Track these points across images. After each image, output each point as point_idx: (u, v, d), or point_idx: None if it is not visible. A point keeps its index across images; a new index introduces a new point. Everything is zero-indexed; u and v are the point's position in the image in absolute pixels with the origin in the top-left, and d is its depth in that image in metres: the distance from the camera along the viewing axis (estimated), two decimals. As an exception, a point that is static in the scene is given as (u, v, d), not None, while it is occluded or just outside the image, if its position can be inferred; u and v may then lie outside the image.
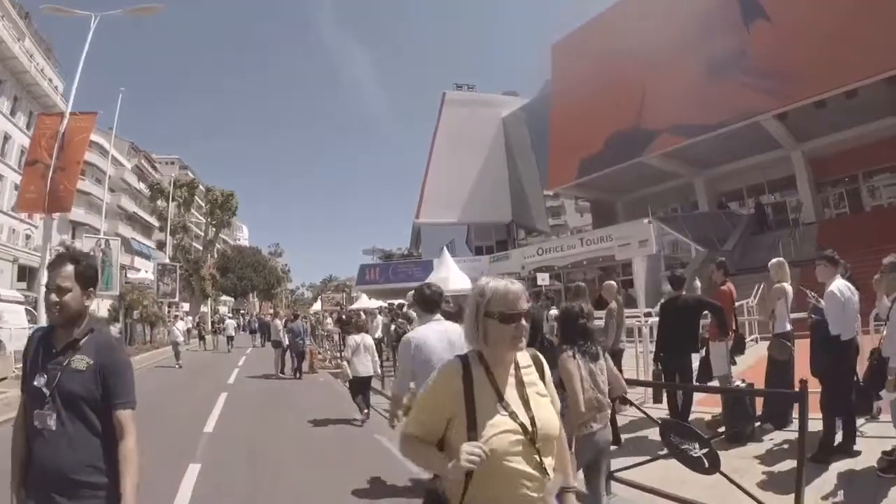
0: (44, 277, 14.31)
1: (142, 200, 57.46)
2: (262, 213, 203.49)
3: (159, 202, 42.29)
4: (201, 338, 28.23)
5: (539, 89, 47.97)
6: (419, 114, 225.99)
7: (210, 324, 27.13)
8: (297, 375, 14.90)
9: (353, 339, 8.84)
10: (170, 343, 20.70)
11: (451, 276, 24.94)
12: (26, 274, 33.77)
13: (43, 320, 13.46)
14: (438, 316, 3.82)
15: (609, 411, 3.65)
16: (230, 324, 31.39)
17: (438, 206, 43.71)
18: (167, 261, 35.59)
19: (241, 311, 68.89)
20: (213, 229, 48.73)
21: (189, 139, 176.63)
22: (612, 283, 7.74)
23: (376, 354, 9.20)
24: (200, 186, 47.26)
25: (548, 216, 45.95)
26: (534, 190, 44.52)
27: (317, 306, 63.98)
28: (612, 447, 4.12)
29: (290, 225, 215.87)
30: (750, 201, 29.01)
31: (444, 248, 31.35)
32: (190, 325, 33.25)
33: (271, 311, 69.82)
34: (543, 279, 21.73)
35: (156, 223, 48.88)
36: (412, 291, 4.28)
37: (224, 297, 66.95)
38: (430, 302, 3.85)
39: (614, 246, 23.86)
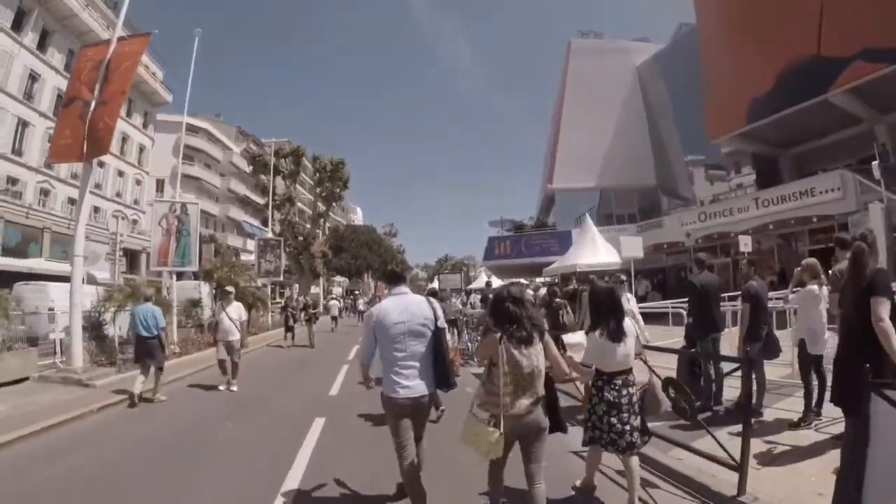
0: (80, 244, 10.69)
1: (252, 183, 56.24)
2: (376, 196, 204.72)
3: (262, 176, 38.58)
4: (288, 328, 19.23)
5: (672, 34, 41.71)
6: (532, 76, 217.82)
7: (304, 308, 20.52)
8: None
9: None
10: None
11: (597, 248, 21.62)
12: (128, 258, 31.94)
13: (77, 297, 10.91)
14: (403, 288, 4.24)
15: (539, 395, 3.63)
16: (334, 304, 28.85)
17: (573, 169, 39.36)
18: (270, 236, 31.80)
19: (356, 292, 66.42)
20: (323, 203, 44.63)
21: (298, 129, 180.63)
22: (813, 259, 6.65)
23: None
24: (306, 159, 43.49)
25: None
26: (675, 151, 38.07)
27: (433, 286, 60.59)
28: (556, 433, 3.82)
29: (404, 205, 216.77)
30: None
31: (587, 215, 26.87)
32: (341, 306, 30.35)
33: (385, 291, 67.11)
34: (746, 243, 17.63)
35: (261, 200, 45.97)
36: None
37: (338, 278, 64.46)
38: (394, 276, 4.31)
39: (818, 202, 19.56)
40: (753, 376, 5.83)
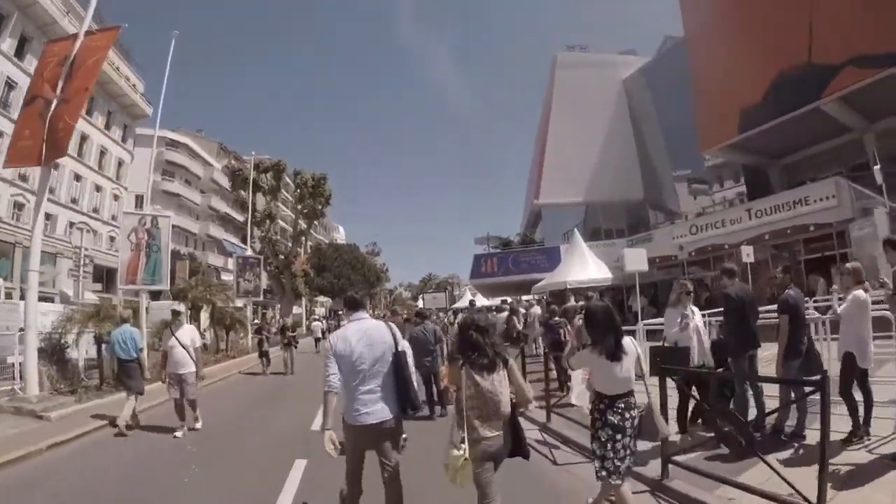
0: (35, 258, 9.67)
1: (233, 200, 55.16)
2: (358, 214, 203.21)
3: (242, 192, 37.28)
4: (262, 354, 17.34)
5: (658, 47, 41.76)
6: (517, 91, 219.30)
7: (281, 330, 18.83)
8: (431, 413, 8.90)
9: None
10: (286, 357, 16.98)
11: (587, 263, 21.14)
12: (103, 275, 30.83)
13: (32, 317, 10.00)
14: (362, 313, 4.35)
15: (501, 422, 3.67)
16: (317, 325, 26.97)
17: (560, 183, 38.63)
18: (249, 253, 30.55)
19: (340, 312, 65.16)
20: (305, 220, 43.28)
21: (280, 143, 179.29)
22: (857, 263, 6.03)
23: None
24: (286, 175, 42.29)
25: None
26: (662, 165, 37.90)
27: (418, 306, 59.86)
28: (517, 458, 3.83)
29: (385, 224, 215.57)
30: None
31: (575, 230, 26.78)
32: (324, 327, 28.12)
33: (386, 310, 65.99)
34: (748, 254, 16.80)
35: (242, 217, 44.59)
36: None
37: (320, 298, 63.18)
38: (353, 302, 4.46)
39: (812, 210, 18.84)
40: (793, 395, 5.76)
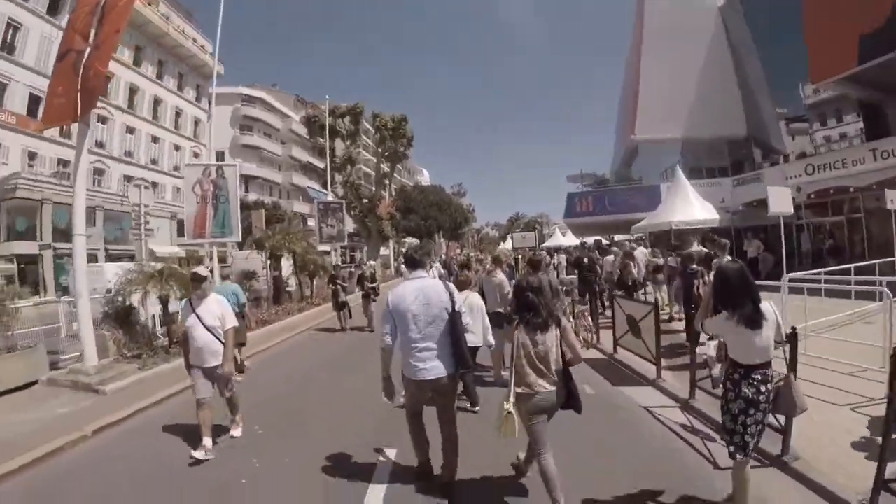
0: (80, 220, 8.65)
1: (312, 148, 54.93)
2: (443, 157, 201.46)
3: (320, 138, 36.40)
4: (338, 306, 14.60)
5: None
6: (596, 19, 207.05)
7: (359, 280, 15.53)
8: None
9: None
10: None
11: (691, 203, 19.51)
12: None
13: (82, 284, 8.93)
14: (421, 272, 4.40)
15: (553, 377, 3.84)
16: (437, 266, 20.41)
17: (657, 118, 35.23)
18: (331, 198, 29.66)
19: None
20: (387, 163, 42.18)
21: (358, 94, 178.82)
22: None
23: (486, 317, 6.77)
24: (364, 119, 40.92)
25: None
26: (764, 100, 33.56)
27: (507, 245, 58.18)
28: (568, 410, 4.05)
29: (471, 164, 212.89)
30: None
31: (678, 167, 24.52)
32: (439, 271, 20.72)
33: (457, 251, 64.84)
34: (893, 199, 14.25)
35: (322, 164, 43.94)
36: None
37: (408, 239, 62.87)
38: (413, 261, 4.51)
39: None
40: None
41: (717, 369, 5.21)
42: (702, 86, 34.53)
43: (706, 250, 8.80)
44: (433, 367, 4.03)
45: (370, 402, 6.57)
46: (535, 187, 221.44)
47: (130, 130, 34.67)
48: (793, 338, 4.56)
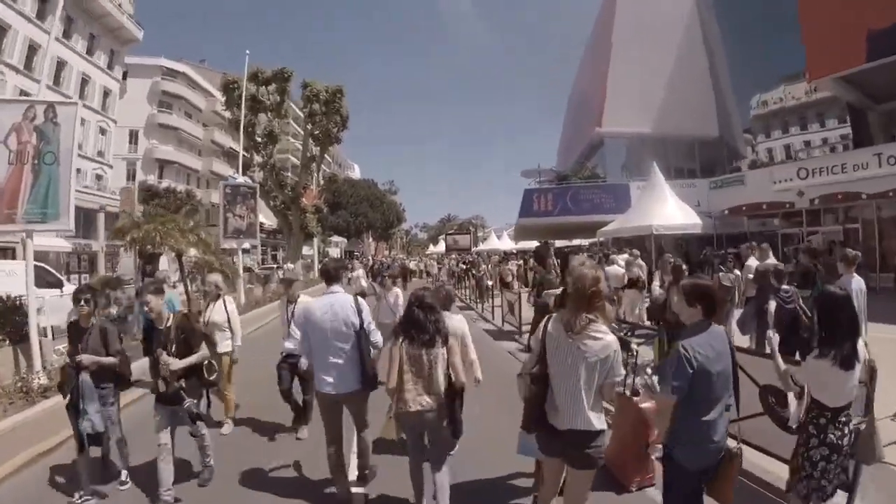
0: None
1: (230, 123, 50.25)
2: (373, 154, 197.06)
3: (236, 109, 28.57)
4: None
5: None
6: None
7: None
8: None
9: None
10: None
11: (670, 205, 18.75)
12: (81, 218, 26.31)
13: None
14: (336, 288, 4.47)
15: (433, 397, 3.81)
16: (359, 274, 17.38)
17: (626, 111, 34.98)
18: (240, 180, 22.55)
19: (355, 254, 60.77)
20: (316, 144, 34.65)
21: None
22: None
23: None
24: (294, 106, 35.84)
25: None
26: (732, 104, 34.42)
27: (437, 248, 55.04)
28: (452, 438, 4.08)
29: (402, 163, 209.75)
30: None
31: (654, 165, 21.78)
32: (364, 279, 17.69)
33: (385, 253, 60.85)
34: None
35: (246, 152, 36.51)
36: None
37: (335, 238, 58.47)
38: (329, 275, 4.54)
39: None
40: None
41: (793, 408, 3.89)
42: (674, 83, 34.34)
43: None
44: (338, 384, 4.18)
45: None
46: (469, 189, 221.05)
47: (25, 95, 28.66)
48: (872, 374, 3.54)
